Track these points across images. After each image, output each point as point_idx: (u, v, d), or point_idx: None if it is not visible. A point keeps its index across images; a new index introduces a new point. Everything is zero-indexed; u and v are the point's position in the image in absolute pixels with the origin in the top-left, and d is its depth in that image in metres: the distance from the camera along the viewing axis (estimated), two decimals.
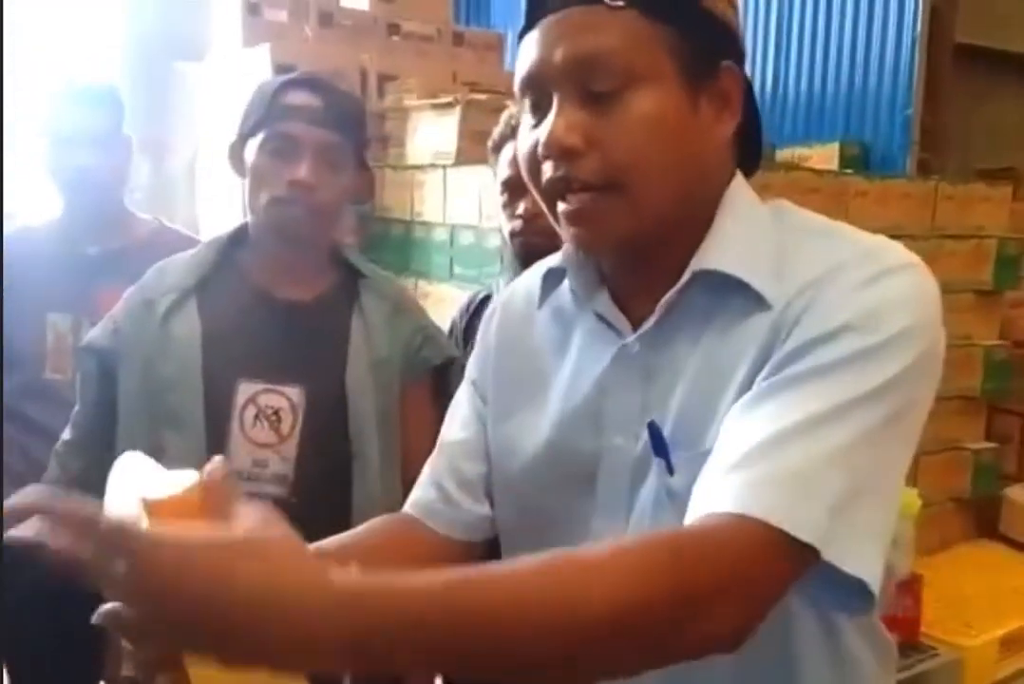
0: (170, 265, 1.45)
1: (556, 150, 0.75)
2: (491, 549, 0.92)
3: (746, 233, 0.80)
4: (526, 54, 0.79)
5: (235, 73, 2.94)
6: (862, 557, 0.67)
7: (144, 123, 2.87)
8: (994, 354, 2.43)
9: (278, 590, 0.55)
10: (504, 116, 1.50)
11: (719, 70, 0.78)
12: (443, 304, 2.26)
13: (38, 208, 2.15)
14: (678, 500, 0.75)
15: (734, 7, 0.81)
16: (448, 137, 2.56)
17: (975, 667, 1.93)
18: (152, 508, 0.61)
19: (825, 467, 0.67)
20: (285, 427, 1.38)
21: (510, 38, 3.53)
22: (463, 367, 1.00)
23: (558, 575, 0.61)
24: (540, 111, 0.78)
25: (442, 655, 0.59)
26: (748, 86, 0.80)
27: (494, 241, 2.20)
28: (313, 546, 0.72)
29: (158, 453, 1.18)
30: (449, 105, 2.59)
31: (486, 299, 1.63)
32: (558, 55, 0.76)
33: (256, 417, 1.37)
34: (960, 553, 2.41)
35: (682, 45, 0.75)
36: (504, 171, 1.48)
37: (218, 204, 2.93)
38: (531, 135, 0.79)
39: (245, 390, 1.37)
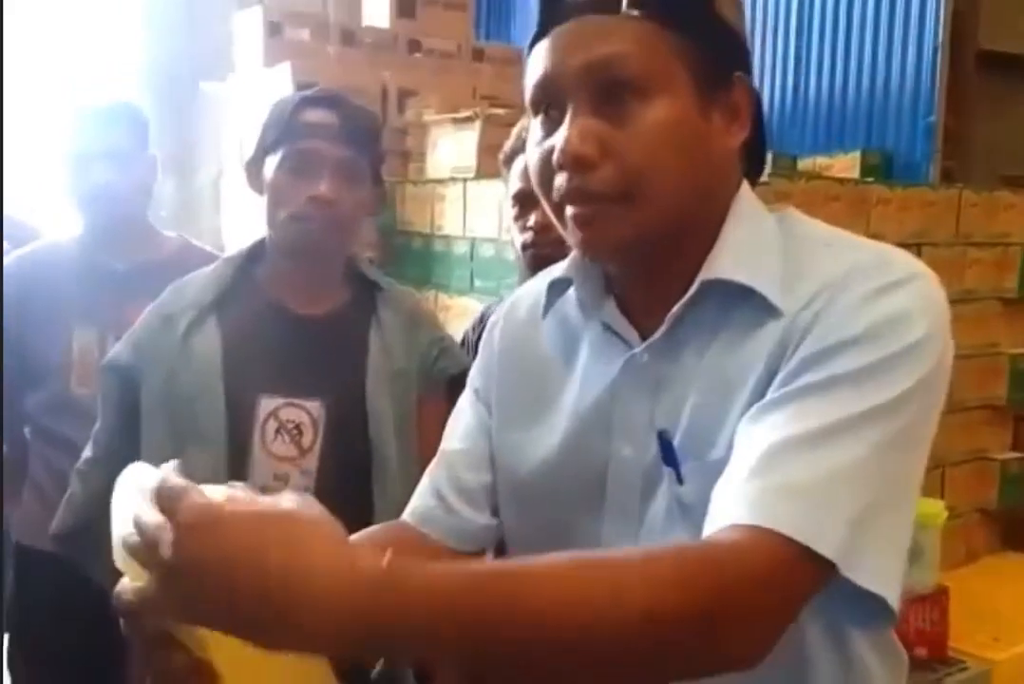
0: (189, 282, 1.47)
1: (571, 159, 0.75)
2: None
3: (754, 242, 0.80)
4: (539, 62, 0.78)
5: (258, 92, 2.98)
6: (881, 572, 0.66)
7: (169, 142, 2.92)
8: (1020, 362, 2.39)
9: (307, 568, 0.56)
10: (516, 129, 1.50)
11: (731, 81, 0.78)
12: (464, 317, 2.26)
13: (61, 226, 2.18)
14: (688, 509, 0.76)
15: (742, 16, 0.82)
16: (468, 151, 2.59)
17: (1004, 680, 1.89)
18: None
19: (842, 479, 0.67)
20: (306, 441, 1.39)
21: None
22: None
23: (598, 571, 0.62)
24: (551, 120, 0.78)
25: (469, 642, 0.59)
26: (756, 97, 0.81)
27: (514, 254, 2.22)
28: None
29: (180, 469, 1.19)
30: (469, 120, 2.61)
31: None
32: (573, 62, 0.76)
33: (277, 431, 1.38)
34: (987, 565, 2.37)
35: (696, 56, 0.76)
36: (515, 184, 1.48)
37: (243, 221, 2.96)
38: (543, 144, 0.79)
39: (266, 405, 1.38)
